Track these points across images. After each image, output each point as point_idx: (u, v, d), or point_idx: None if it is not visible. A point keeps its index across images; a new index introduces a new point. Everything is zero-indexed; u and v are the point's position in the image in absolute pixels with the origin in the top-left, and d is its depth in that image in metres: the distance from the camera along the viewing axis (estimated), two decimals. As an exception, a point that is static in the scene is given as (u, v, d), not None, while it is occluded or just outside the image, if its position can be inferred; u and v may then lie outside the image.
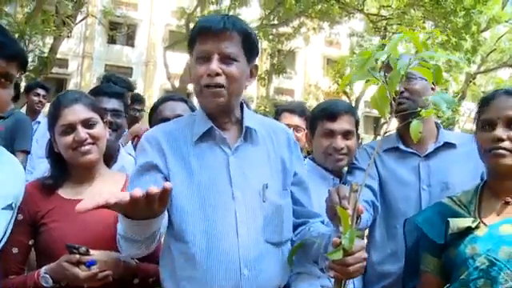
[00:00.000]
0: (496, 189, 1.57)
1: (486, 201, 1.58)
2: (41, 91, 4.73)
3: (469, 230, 1.49)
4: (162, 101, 2.33)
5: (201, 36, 1.43)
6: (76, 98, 1.70)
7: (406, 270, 1.76)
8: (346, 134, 2.01)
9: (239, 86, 1.47)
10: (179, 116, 2.11)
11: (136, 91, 4.63)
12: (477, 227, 1.49)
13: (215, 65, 1.40)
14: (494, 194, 1.58)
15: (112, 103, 2.23)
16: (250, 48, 1.48)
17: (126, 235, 1.31)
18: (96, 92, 2.23)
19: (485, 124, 1.55)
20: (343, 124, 2.01)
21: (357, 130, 2.08)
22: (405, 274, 1.76)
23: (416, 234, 1.68)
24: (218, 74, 1.41)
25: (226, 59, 1.42)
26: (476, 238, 1.48)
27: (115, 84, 3.56)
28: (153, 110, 2.31)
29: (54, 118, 1.68)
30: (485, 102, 1.58)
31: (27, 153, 3.90)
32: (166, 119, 2.14)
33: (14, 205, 1.48)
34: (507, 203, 1.54)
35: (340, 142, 1.99)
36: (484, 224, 1.51)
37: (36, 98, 4.70)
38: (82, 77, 23.35)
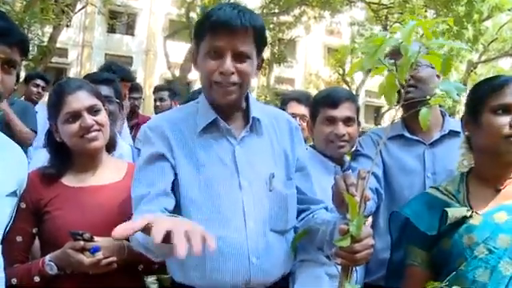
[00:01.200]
0: (488, 176, 1.55)
1: (475, 188, 1.57)
2: (40, 82, 4.71)
3: (462, 220, 1.48)
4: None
5: (214, 30, 1.37)
6: (79, 85, 1.69)
7: (390, 265, 1.74)
8: (348, 121, 2.02)
9: (250, 81, 1.46)
10: None
11: (136, 81, 4.62)
12: (470, 216, 1.48)
13: (229, 64, 1.37)
14: (483, 181, 1.56)
15: (101, 90, 2.21)
16: (261, 43, 1.46)
17: (147, 246, 1.28)
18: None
19: (500, 109, 1.51)
20: (344, 111, 2.02)
21: (357, 117, 2.09)
22: (388, 269, 1.75)
23: (400, 226, 1.67)
24: (231, 73, 1.38)
25: (240, 57, 1.39)
26: (472, 227, 1.46)
27: (114, 73, 3.55)
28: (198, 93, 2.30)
29: (57, 105, 1.66)
30: (497, 87, 1.53)
31: (35, 132, 3.93)
32: None
33: (18, 191, 1.48)
34: (498, 190, 1.53)
35: (342, 129, 2.00)
36: (476, 212, 1.50)
37: (35, 89, 4.68)
38: (82, 66, 23.28)
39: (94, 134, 1.64)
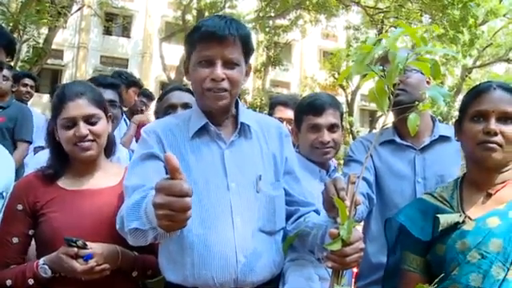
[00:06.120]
0: (478, 181, 1.56)
1: (467, 194, 1.58)
2: (29, 81, 4.65)
3: (455, 226, 1.49)
4: (170, 90, 2.41)
5: (204, 40, 1.46)
6: (81, 92, 1.67)
7: (387, 270, 1.74)
8: (332, 128, 2.06)
9: (239, 87, 1.54)
10: (186, 104, 2.22)
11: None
12: (463, 222, 1.49)
13: (220, 70, 1.46)
14: (475, 186, 1.57)
15: (107, 94, 2.28)
16: (248, 51, 1.54)
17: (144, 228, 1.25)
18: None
19: (476, 115, 1.53)
20: (329, 118, 2.05)
21: (341, 122, 2.12)
22: (385, 273, 1.75)
23: (395, 232, 1.67)
24: (222, 79, 1.47)
25: (229, 64, 1.48)
26: (465, 233, 1.47)
27: (126, 79, 3.65)
28: (160, 99, 2.40)
29: (57, 109, 1.67)
30: (476, 94, 1.55)
31: (29, 143, 3.91)
32: (173, 106, 2.26)
33: (4, 194, 1.50)
34: (489, 195, 1.54)
35: (326, 136, 2.03)
36: (469, 218, 1.51)
37: (24, 89, 4.61)
38: (78, 68, 23.24)
39: (87, 144, 1.65)
